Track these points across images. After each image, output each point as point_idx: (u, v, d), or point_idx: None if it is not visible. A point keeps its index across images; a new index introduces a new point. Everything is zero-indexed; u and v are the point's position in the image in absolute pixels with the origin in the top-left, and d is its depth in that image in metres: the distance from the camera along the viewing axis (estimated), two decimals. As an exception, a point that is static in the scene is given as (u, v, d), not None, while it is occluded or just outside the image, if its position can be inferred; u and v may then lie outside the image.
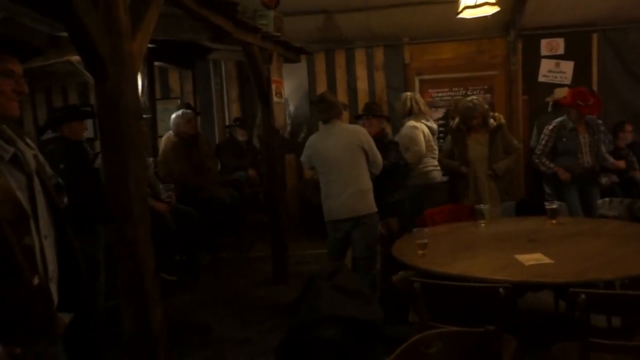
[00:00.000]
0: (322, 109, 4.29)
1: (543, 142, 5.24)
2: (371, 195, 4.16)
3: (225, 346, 3.88)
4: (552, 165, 5.16)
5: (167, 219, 4.44)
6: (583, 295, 2.11)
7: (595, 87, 6.84)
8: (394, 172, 4.48)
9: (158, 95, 6.87)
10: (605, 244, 3.25)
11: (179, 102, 7.20)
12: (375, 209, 4.17)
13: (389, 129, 5.39)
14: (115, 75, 2.45)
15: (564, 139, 5.12)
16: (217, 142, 7.31)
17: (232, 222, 5.72)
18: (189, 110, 5.62)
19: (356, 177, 4.11)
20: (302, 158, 4.45)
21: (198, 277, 5.24)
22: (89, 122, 4.11)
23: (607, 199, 4.36)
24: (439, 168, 5.41)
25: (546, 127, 5.33)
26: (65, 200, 2.08)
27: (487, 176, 4.90)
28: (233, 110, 7.63)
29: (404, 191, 4.61)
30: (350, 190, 4.09)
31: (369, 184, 4.17)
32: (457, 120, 5.12)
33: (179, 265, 5.04)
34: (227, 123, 7.48)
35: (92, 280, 3.08)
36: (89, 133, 4.13)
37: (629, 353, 2.27)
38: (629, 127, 6.06)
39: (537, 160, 5.27)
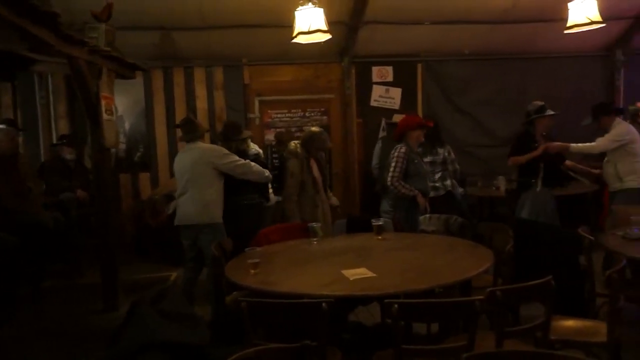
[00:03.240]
0: (186, 130, 4.79)
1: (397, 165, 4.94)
2: (215, 208, 4.67)
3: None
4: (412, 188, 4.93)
5: (-25, 247, 3.98)
6: (396, 305, 2.27)
7: (420, 113, 7.44)
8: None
9: (-31, 109, 6.17)
10: (423, 257, 3.52)
11: (-3, 116, 6.53)
12: (219, 220, 4.67)
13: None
14: None
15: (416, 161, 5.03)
16: (42, 161, 6.73)
17: (57, 248, 5.29)
18: (10, 127, 5.11)
19: (200, 190, 4.61)
20: None
21: (16, 311, 4.75)
22: None
23: (427, 215, 4.72)
24: None
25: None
26: None
27: (326, 197, 5.16)
28: (61, 127, 7.09)
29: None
30: (190, 203, 4.62)
31: (212, 197, 4.65)
32: (298, 146, 5.08)
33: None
34: (53, 141, 6.92)
35: None
36: None
37: (437, 356, 2.48)
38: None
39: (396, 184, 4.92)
